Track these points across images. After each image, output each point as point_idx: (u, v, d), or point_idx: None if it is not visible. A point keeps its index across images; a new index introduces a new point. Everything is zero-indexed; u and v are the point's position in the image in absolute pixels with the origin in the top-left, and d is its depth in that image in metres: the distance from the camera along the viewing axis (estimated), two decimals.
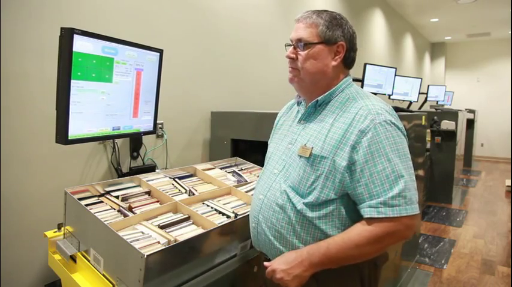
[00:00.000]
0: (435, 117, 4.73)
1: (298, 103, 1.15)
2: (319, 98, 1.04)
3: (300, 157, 1.01)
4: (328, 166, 0.95)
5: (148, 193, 1.45)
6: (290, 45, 1.06)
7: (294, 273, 0.94)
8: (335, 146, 0.95)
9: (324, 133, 0.99)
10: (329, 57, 1.03)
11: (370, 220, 0.90)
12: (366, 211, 0.91)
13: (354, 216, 0.96)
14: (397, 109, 2.43)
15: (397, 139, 0.93)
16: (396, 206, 0.88)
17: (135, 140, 1.87)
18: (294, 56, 1.04)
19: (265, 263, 1.02)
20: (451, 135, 4.70)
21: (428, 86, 6.01)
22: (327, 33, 1.01)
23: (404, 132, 0.99)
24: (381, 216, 0.89)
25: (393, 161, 0.91)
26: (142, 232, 1.16)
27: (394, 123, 0.95)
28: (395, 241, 0.93)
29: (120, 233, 1.07)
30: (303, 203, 0.98)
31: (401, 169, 0.90)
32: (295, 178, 1.01)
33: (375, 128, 0.92)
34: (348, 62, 1.07)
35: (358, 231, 0.91)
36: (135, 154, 1.90)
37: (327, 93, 1.04)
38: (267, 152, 1.20)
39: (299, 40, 1.03)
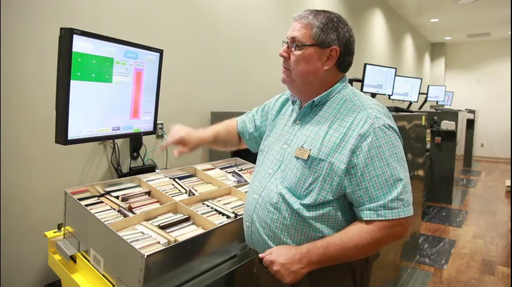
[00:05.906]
0: (435, 118, 4.73)
1: (293, 102, 1.14)
2: (315, 98, 1.03)
3: (297, 158, 1.00)
4: (325, 168, 0.96)
5: (148, 193, 1.44)
6: (286, 42, 1.04)
7: (292, 269, 0.94)
8: (333, 149, 0.96)
9: (321, 135, 0.99)
10: (320, 61, 1.00)
11: (370, 222, 0.93)
12: (366, 214, 0.93)
13: (348, 216, 0.99)
14: (397, 109, 2.43)
15: (395, 143, 0.95)
16: (395, 208, 0.91)
17: (135, 140, 1.87)
18: (286, 55, 1.03)
19: (262, 255, 1.00)
20: (451, 135, 4.70)
21: (428, 86, 6.01)
22: (320, 35, 0.98)
23: (399, 134, 1.00)
24: (380, 218, 0.92)
25: (392, 165, 0.93)
26: (142, 232, 1.16)
27: (392, 127, 0.97)
28: (392, 241, 0.97)
29: (120, 234, 1.07)
30: (300, 203, 0.98)
31: (399, 172, 0.93)
32: (292, 179, 1.00)
33: (374, 132, 0.93)
34: (343, 66, 1.04)
35: (357, 232, 0.93)
36: (135, 154, 1.90)
37: (323, 94, 1.03)
38: (260, 150, 1.18)
39: (293, 40, 1.01)
